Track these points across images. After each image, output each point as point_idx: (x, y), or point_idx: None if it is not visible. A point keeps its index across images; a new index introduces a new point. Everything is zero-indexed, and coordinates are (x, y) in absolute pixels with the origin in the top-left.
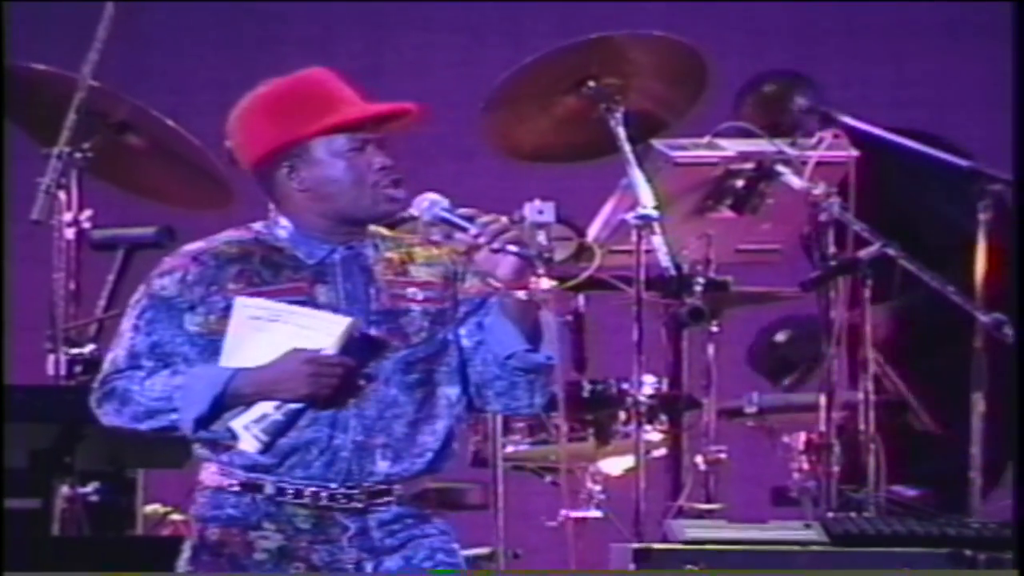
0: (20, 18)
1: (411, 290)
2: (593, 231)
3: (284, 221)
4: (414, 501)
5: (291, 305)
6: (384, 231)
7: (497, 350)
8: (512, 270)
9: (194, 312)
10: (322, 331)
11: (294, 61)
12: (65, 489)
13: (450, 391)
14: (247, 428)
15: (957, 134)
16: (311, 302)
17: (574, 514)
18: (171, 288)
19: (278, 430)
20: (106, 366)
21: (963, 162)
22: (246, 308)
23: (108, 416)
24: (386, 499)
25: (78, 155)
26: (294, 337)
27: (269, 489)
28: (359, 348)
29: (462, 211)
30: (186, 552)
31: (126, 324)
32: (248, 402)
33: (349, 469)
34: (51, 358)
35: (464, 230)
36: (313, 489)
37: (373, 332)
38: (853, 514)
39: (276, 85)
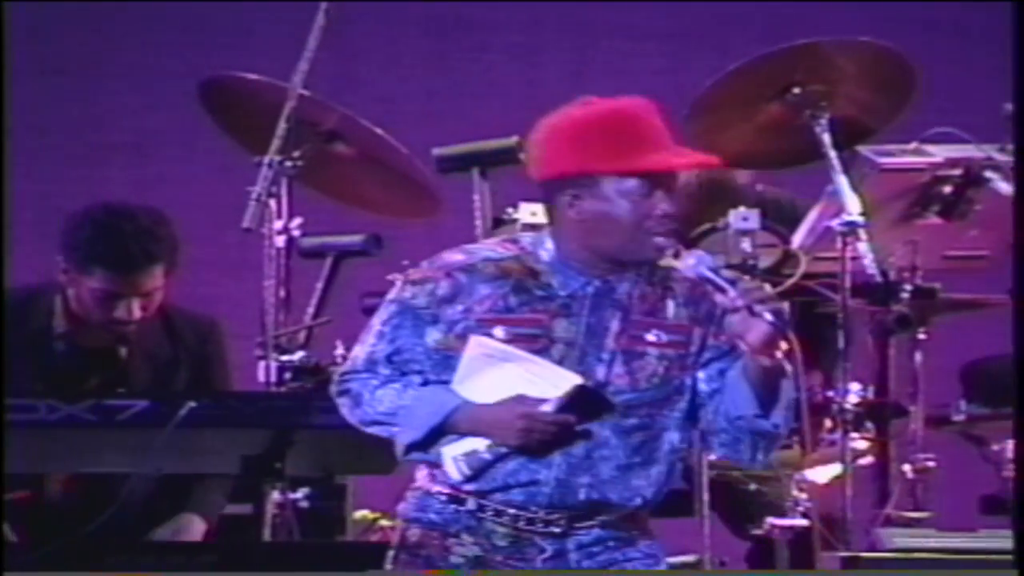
0: (224, 27)
1: (654, 332)
2: (798, 238)
3: (550, 244)
4: (621, 524)
5: (527, 353)
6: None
7: (730, 407)
8: (763, 337)
9: (436, 327)
10: (550, 383)
11: (501, 70)
12: (276, 495)
13: (674, 436)
14: (455, 459)
15: None
16: (547, 335)
17: (780, 522)
18: (421, 299)
19: (483, 467)
20: (348, 362)
21: None
22: (481, 346)
23: (343, 410)
24: (588, 524)
25: (288, 164)
26: (522, 382)
27: (471, 504)
28: (584, 404)
29: (726, 273)
30: (391, 552)
31: (374, 324)
32: (462, 434)
33: (551, 501)
34: (262, 365)
35: (724, 292)
36: (513, 511)
37: (600, 371)
38: None
39: (589, 110)
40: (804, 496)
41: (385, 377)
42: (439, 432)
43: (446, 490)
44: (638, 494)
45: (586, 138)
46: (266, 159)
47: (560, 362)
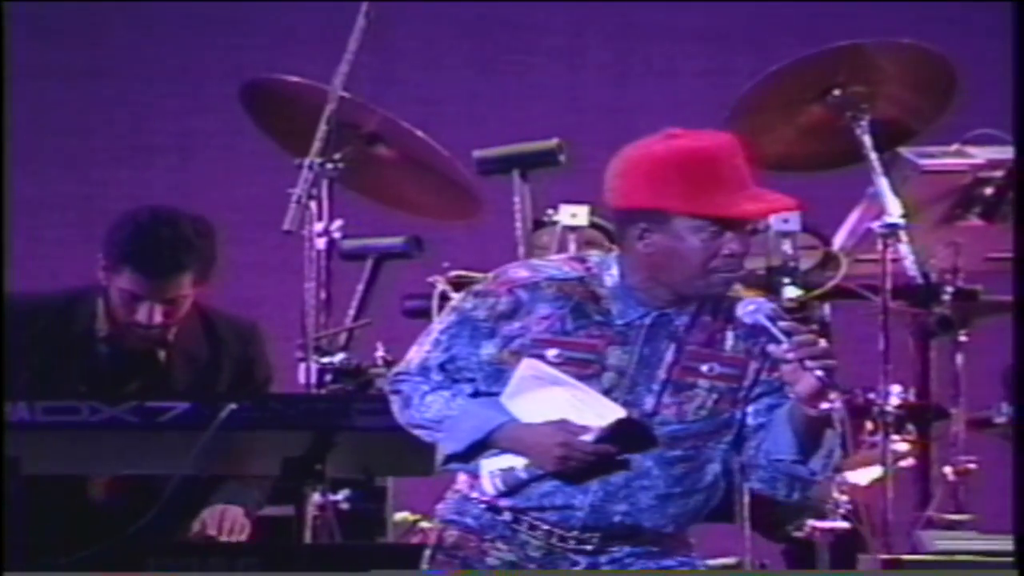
0: (265, 29)
1: (708, 365)
2: (839, 240)
3: (615, 270)
4: (655, 542)
5: (576, 381)
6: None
7: (771, 447)
8: (811, 391)
9: (492, 340)
10: (595, 412)
11: (542, 72)
12: (317, 496)
13: (718, 468)
14: (491, 474)
15: None
16: (599, 361)
17: (821, 524)
18: (480, 312)
19: (518, 485)
20: (403, 363)
21: None
22: (532, 368)
23: (393, 407)
24: (621, 543)
25: (329, 166)
26: (568, 407)
27: (507, 516)
28: (626, 437)
29: (783, 324)
30: (427, 551)
31: (433, 329)
32: (502, 450)
33: (584, 525)
34: (302, 367)
35: (778, 343)
36: (547, 528)
37: (649, 402)
38: None
39: (668, 146)
40: (845, 498)
41: (436, 384)
42: (480, 446)
43: (484, 498)
44: (673, 521)
45: (664, 175)
46: (307, 161)
47: (610, 390)
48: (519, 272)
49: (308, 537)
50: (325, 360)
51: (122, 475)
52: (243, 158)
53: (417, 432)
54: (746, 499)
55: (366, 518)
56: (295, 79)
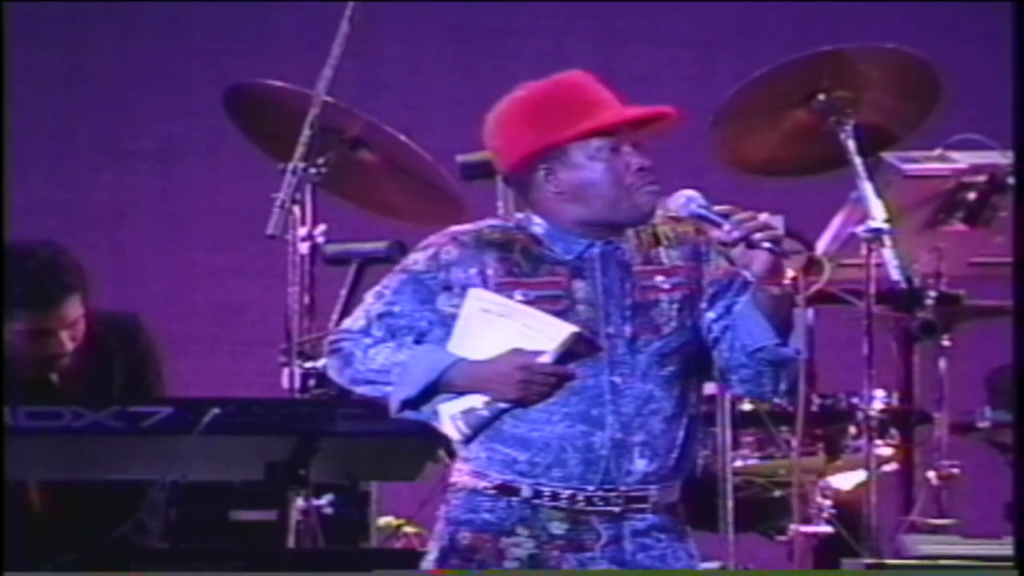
0: (249, 34)
1: (659, 279)
2: (823, 244)
3: (538, 219)
4: (669, 511)
5: (523, 305)
6: None
7: (747, 341)
8: (767, 266)
9: (451, 293)
10: (546, 335)
11: (526, 77)
12: (300, 501)
13: (699, 379)
14: (452, 418)
15: None
16: (568, 296)
17: (804, 529)
18: (421, 264)
19: (481, 425)
20: (341, 326)
21: None
22: (479, 300)
23: (331, 372)
24: (642, 505)
25: (312, 170)
26: (519, 336)
27: (526, 492)
28: (581, 353)
29: (718, 208)
30: (433, 553)
31: (373, 289)
32: (459, 392)
33: (607, 468)
34: (286, 372)
35: (719, 226)
36: (571, 492)
37: (628, 328)
38: None
39: (533, 90)
40: (829, 503)
41: (378, 338)
42: (434, 389)
43: (493, 483)
44: (677, 444)
45: (539, 112)
46: (290, 166)
47: (588, 321)
48: (462, 226)
49: (292, 542)
50: (309, 365)
51: (51, 483)
52: (227, 163)
53: (363, 389)
54: (730, 503)
55: (349, 523)
56: (278, 84)
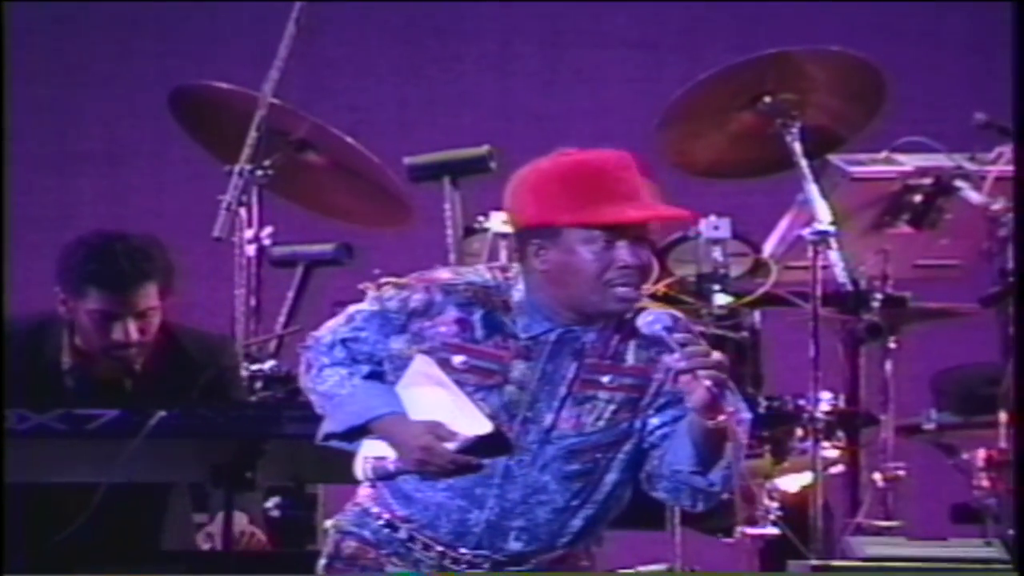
0: (195, 36)
1: (609, 376)
2: (769, 247)
3: (521, 286)
4: (553, 566)
5: (455, 386)
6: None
7: (670, 459)
8: (703, 401)
9: (402, 336)
10: (468, 420)
11: (473, 79)
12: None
13: (615, 477)
14: (365, 459)
15: None
16: (502, 373)
17: (751, 531)
18: (393, 304)
19: (385, 476)
20: (322, 328)
21: None
22: (424, 364)
23: (300, 367)
24: (516, 569)
25: (259, 172)
26: (446, 410)
27: (403, 535)
28: (491, 449)
29: (678, 336)
30: (322, 560)
31: (348, 310)
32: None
33: (479, 542)
34: None
35: (671, 352)
36: (440, 549)
37: (548, 418)
38: None
39: (557, 163)
40: (775, 504)
41: (337, 359)
42: (359, 432)
43: (385, 515)
44: (571, 531)
45: (550, 190)
46: (236, 168)
47: (510, 404)
48: (442, 274)
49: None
50: (255, 367)
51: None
52: (172, 165)
53: (311, 398)
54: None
55: (296, 525)
56: (224, 85)
